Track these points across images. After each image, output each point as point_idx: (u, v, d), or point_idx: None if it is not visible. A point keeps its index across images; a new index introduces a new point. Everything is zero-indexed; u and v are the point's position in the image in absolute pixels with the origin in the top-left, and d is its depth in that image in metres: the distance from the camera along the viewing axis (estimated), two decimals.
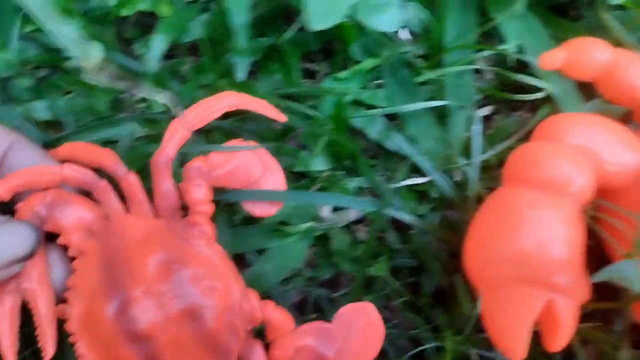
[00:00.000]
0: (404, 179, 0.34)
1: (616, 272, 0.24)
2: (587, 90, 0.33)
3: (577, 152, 0.29)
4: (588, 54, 0.31)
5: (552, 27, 0.34)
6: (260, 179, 0.29)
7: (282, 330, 0.27)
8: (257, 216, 0.30)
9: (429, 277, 0.33)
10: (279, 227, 0.32)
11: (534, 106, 0.34)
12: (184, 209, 0.29)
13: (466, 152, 0.34)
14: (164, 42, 0.32)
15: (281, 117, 0.31)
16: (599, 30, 0.33)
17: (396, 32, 0.34)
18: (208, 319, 0.25)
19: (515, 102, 0.34)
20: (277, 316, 0.27)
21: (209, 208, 0.28)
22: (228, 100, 0.29)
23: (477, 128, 0.32)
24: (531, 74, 0.33)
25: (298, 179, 0.34)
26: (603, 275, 0.24)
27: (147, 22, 0.35)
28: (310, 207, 0.33)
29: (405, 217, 0.32)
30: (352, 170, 0.34)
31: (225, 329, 0.26)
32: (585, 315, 0.31)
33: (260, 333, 0.28)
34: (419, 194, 0.34)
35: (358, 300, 0.29)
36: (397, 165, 0.35)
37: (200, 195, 0.27)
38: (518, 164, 0.29)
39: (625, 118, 0.32)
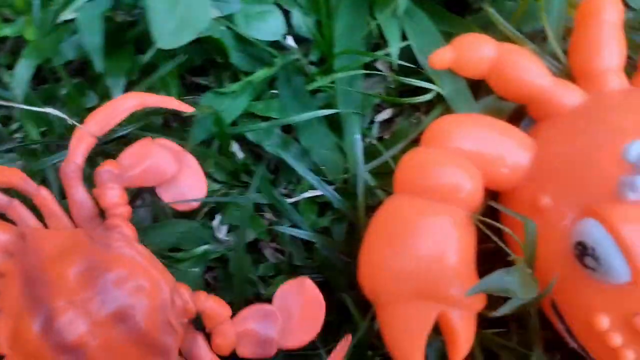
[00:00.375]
0: (304, 192, 0.33)
1: (495, 282, 0.23)
2: (484, 87, 0.32)
3: (463, 157, 0.27)
4: (474, 51, 0.30)
5: (441, 24, 0.32)
6: (178, 175, 0.29)
7: (219, 318, 0.27)
8: (180, 210, 0.30)
9: (335, 292, 0.32)
10: (170, 253, 0.31)
11: (430, 107, 0.33)
12: (103, 213, 0.28)
13: (365, 159, 0.33)
14: (30, 67, 0.30)
15: (188, 108, 0.30)
16: (491, 24, 0.32)
17: (283, 39, 0.33)
18: (139, 319, 0.25)
19: (414, 103, 0.33)
20: (211, 305, 0.26)
21: (126, 210, 0.28)
22: (131, 101, 0.29)
23: (358, 137, 0.31)
24: (423, 74, 0.32)
25: None
26: (481, 286, 0.23)
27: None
28: (204, 230, 0.31)
29: (300, 232, 0.31)
30: (249, 185, 0.33)
31: (160, 326, 0.25)
32: (499, 320, 0.30)
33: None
34: (321, 206, 0.33)
35: None
36: (298, 177, 0.34)
37: (114, 198, 0.27)
38: (406, 172, 0.28)
39: (519, 114, 0.31)
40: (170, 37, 0.26)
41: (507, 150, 0.28)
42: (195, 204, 0.30)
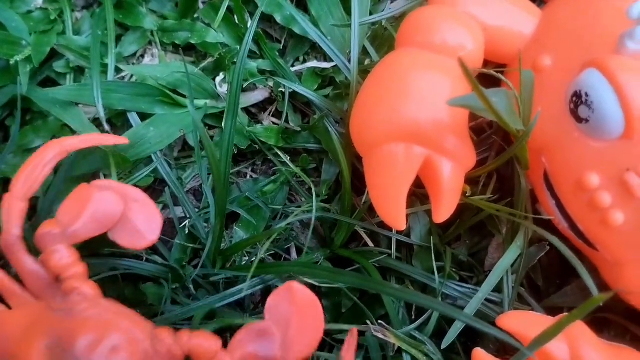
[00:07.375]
0: (308, 62, 0.33)
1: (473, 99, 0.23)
2: None
3: (469, 18, 0.28)
4: None
5: None
6: (127, 212, 0.26)
7: (209, 353, 0.24)
8: (125, 247, 0.26)
9: (330, 162, 0.32)
10: (171, 93, 0.31)
11: None
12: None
13: (373, 37, 0.33)
14: None
15: (121, 140, 0.29)
16: None
17: None
18: None
19: None
20: (197, 342, 0.24)
21: (79, 268, 0.25)
22: (51, 152, 0.27)
23: None
24: None
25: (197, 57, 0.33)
26: (466, 100, 0.23)
27: None
28: (207, 81, 0.32)
29: (300, 88, 0.31)
30: (256, 54, 0.33)
31: None
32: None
33: None
34: (324, 79, 0.33)
35: None
36: (305, 55, 0.34)
37: (62, 260, 0.25)
38: (410, 26, 0.28)
39: None
40: None
41: (513, 16, 0.28)
42: (153, 239, 0.26)
